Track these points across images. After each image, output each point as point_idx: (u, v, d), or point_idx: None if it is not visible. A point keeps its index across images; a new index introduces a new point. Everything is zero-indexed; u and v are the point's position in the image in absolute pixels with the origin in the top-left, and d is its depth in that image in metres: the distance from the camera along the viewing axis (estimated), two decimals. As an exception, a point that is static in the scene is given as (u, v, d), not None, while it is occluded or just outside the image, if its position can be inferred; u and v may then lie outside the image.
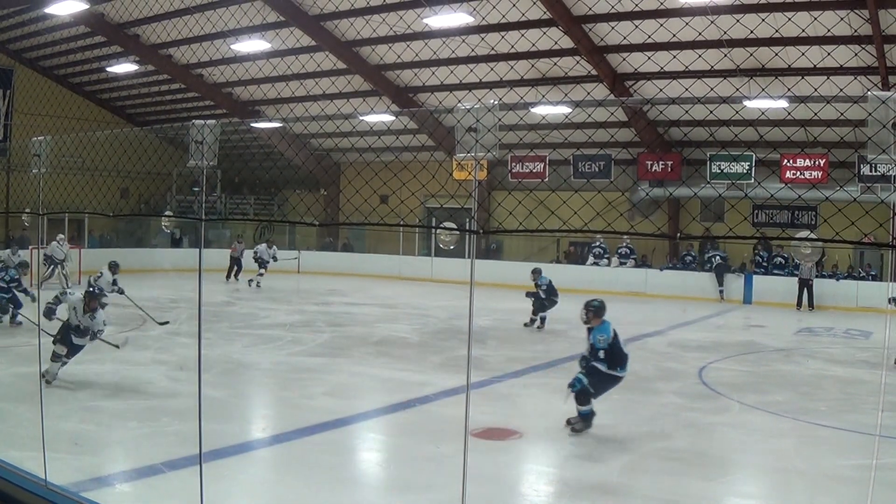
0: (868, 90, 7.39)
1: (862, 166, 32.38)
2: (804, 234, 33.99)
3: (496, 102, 6.56)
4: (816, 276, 33.32)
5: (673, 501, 9.39)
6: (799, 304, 32.45)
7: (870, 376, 18.29)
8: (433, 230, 38.99)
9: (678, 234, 37.71)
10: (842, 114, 9.87)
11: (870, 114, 5.82)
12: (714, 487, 10.13)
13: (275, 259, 33.83)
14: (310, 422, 12.03)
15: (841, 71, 26.43)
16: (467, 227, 8.70)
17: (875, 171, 31.82)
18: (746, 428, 13.32)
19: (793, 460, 11.53)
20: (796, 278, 33.06)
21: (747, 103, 26.70)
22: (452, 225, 35.62)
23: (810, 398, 15.73)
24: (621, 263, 37.10)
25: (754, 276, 34.41)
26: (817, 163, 33.38)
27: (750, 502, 10.12)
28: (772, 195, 32.85)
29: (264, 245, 34.26)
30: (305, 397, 14.00)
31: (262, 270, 33.16)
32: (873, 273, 34.24)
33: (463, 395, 12.38)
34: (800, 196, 32.64)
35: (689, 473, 10.47)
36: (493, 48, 26.95)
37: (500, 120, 6.51)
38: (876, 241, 27.52)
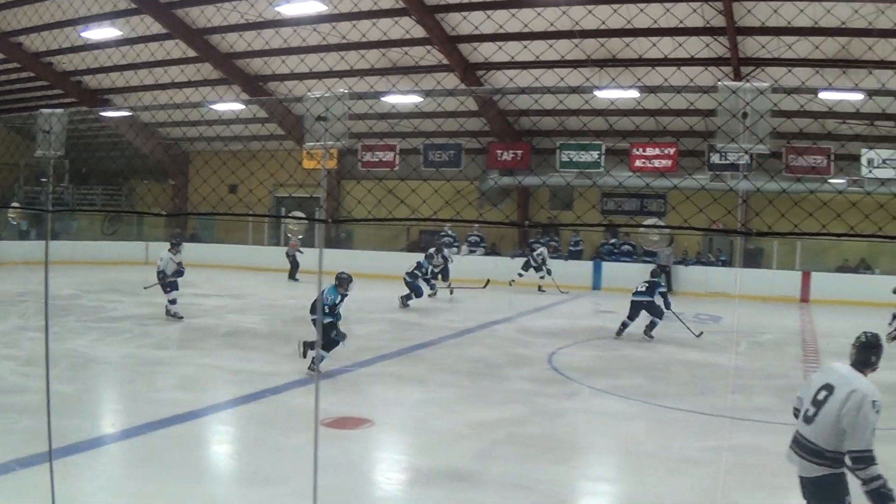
0: (719, 80, 7.48)
1: (711, 155, 32.95)
2: (652, 221, 34.53)
3: (346, 91, 6.49)
4: (675, 263, 33.91)
5: (525, 486, 9.41)
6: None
7: (719, 359, 18.65)
8: (282, 220, 38.70)
9: (526, 223, 37.96)
10: (692, 104, 10.02)
11: (720, 103, 5.87)
12: (566, 471, 10.19)
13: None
14: (160, 415, 11.80)
15: (692, 61, 26.87)
16: (316, 217, 8.59)
17: (724, 160, 32.44)
18: (597, 412, 13.47)
19: (644, 443, 11.68)
20: (653, 265, 33.59)
21: (597, 93, 27.03)
22: (301, 214, 35.44)
23: (660, 382, 15.98)
24: (471, 252, 37.22)
25: (603, 263, 34.81)
26: (667, 151, 33.86)
27: (602, 486, 10.19)
28: (619, 183, 33.32)
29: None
30: (155, 391, 13.74)
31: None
32: (723, 259, 34.95)
33: (313, 385, 12.32)
34: (648, 184, 33.13)
35: (541, 458, 10.51)
36: (344, 37, 26.84)
37: (349, 109, 6.43)
38: (725, 227, 28.03)
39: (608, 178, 33.11)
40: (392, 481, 9.84)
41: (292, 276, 34.29)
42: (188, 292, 22.97)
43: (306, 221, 38.65)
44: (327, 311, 14.98)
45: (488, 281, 30.17)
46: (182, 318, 21.10)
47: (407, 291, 26.24)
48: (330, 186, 38.85)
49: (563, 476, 10.00)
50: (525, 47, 21.95)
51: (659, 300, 14.85)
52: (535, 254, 32.90)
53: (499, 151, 37.43)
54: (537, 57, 19.73)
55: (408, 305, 25.87)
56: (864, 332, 7.26)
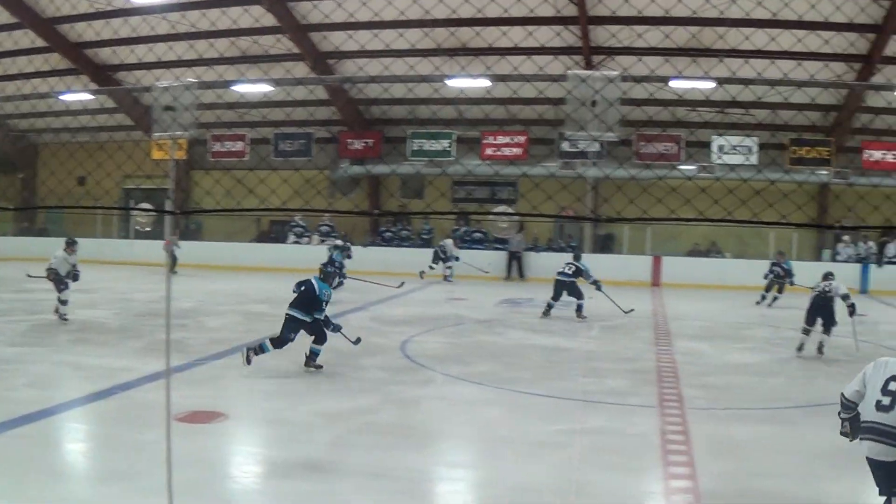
0: (569, 69, 7.56)
1: (561, 143, 33.29)
2: (502, 208, 34.83)
3: (195, 81, 6.41)
4: (526, 249, 34.22)
5: (382, 475, 9.40)
6: (508, 275, 33.25)
7: (572, 344, 18.86)
8: (130, 212, 38.13)
9: (376, 211, 37.99)
10: (541, 92, 10.13)
11: (569, 92, 5.91)
12: (422, 459, 10.20)
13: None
14: (12, 414, 11.49)
15: (543, 50, 27.07)
16: (164, 208, 8.47)
17: (574, 148, 32.80)
18: (451, 399, 13.50)
19: (499, 428, 11.76)
20: (505, 252, 33.85)
21: (448, 82, 27.11)
22: (149, 206, 34.96)
23: (514, 367, 16.05)
24: (322, 241, 37.10)
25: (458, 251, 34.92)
26: (517, 140, 34.13)
27: (459, 472, 10.21)
28: (469, 171, 33.49)
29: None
30: (6, 389, 13.38)
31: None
32: (573, 244, 35.32)
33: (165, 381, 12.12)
34: (497, 172, 33.34)
35: (397, 446, 10.51)
36: (193, 25, 26.54)
37: (198, 98, 6.36)
38: (576, 214, 28.31)
39: (458, 166, 33.30)
40: (248, 474, 9.75)
41: (171, 269, 33.81)
42: (37, 287, 22.43)
43: (154, 213, 38.18)
44: (325, 306, 14.98)
45: (402, 283, 29.91)
46: (67, 320, 20.49)
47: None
48: (179, 177, 38.39)
49: (419, 463, 10.00)
50: (375, 36, 21.96)
51: (319, 288, 15.18)
52: (440, 245, 33.30)
53: (349, 140, 37.37)
54: (388, 45, 19.75)
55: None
56: None
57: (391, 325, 20.83)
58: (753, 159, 33.12)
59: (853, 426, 7.45)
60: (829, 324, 18.14)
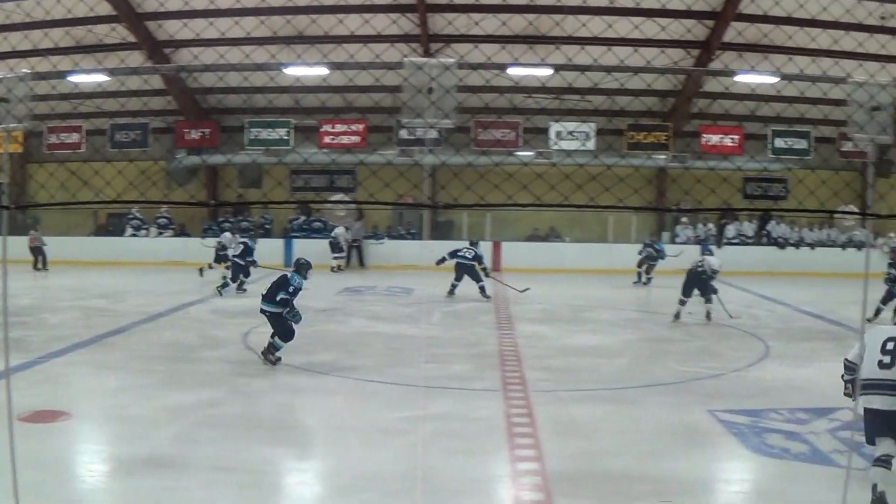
0: (405, 56, 7.58)
1: (399, 130, 33.32)
2: (338, 196, 34.81)
3: (28, 72, 6.30)
4: (365, 237, 34.23)
5: (230, 468, 9.34)
6: (347, 263, 33.24)
7: (414, 331, 18.95)
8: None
9: (213, 202, 37.65)
10: (377, 79, 10.12)
11: (405, 79, 5.94)
12: (269, 450, 10.14)
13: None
14: None
15: (380, 38, 27.03)
16: (-1, 203, 8.26)
17: (411, 135, 32.85)
18: (295, 389, 13.46)
19: (345, 417, 11.78)
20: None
21: (285, 70, 26.92)
22: (-23, 202, 33.98)
23: (356, 355, 16.08)
24: (160, 234, 36.56)
25: (294, 240, 34.68)
26: (355, 128, 34.07)
27: (306, 462, 10.20)
28: (305, 159, 33.36)
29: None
30: None
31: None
32: (413, 231, 35.44)
33: (3, 380, 11.88)
34: (334, 160, 33.25)
35: (243, 438, 10.45)
36: (28, 14, 25.93)
37: (32, 90, 6.25)
38: (414, 201, 28.40)
39: (296, 155, 33.18)
40: (94, 473, 9.59)
41: (37, 265, 32.97)
42: None
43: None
44: (291, 290, 14.83)
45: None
46: None
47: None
48: (13, 171, 37.56)
49: (266, 455, 9.95)
50: (211, 24, 21.69)
51: (291, 280, 15.33)
52: (332, 236, 33.20)
53: (186, 130, 36.89)
54: (223, 34, 19.52)
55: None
56: None
57: (231, 316, 20.66)
58: (590, 145, 33.56)
59: (854, 387, 8.65)
60: (705, 293, 21.02)
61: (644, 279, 29.43)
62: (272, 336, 14.99)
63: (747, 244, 35.37)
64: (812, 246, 36.08)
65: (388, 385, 13.58)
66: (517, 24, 27.04)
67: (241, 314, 20.77)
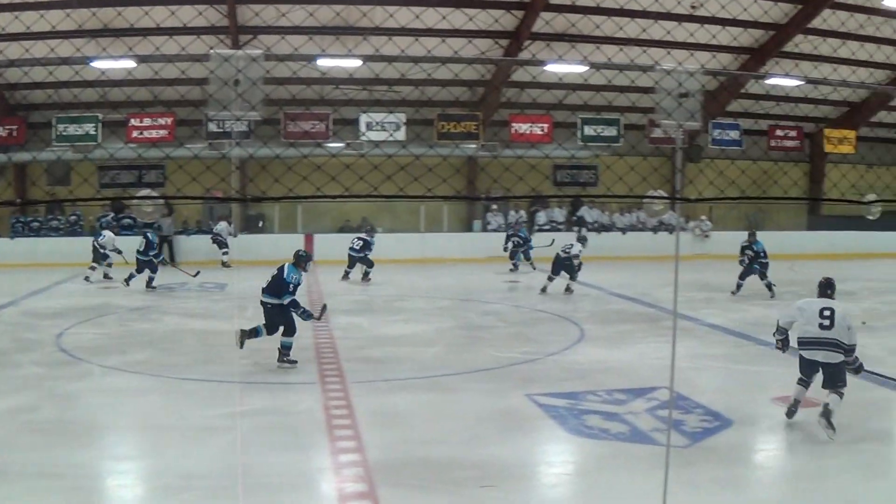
0: (211, 48, 7.46)
1: (208, 124, 32.90)
2: (145, 192, 34.22)
3: None
4: (176, 233, 33.74)
5: (51, 473, 9.10)
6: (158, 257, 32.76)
7: (227, 327, 18.75)
8: None
9: (17, 200, 36.71)
10: (183, 72, 9.98)
11: (212, 72, 5.84)
12: (88, 454, 9.93)
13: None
14: None
15: (188, 30, 26.57)
16: None
17: (220, 128, 32.47)
18: (111, 390, 13.18)
19: (161, 417, 11.55)
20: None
21: (91, 64, 26.36)
22: None
23: (171, 354, 15.88)
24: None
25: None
26: (163, 122, 33.50)
27: (126, 464, 9.96)
28: (111, 155, 32.78)
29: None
30: None
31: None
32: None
33: None
34: (140, 155, 32.64)
35: (62, 443, 10.19)
36: None
37: None
38: (225, 195, 28.15)
39: (103, 150, 32.53)
40: None
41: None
42: None
43: None
44: (292, 289, 14.65)
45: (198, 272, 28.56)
46: None
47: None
48: None
49: (85, 458, 9.74)
50: (17, 17, 21.14)
51: (289, 272, 15.29)
52: (215, 231, 32.72)
53: (-10, 128, 35.85)
54: (29, 28, 19.06)
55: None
56: (825, 277, 11.68)
57: (43, 318, 20.11)
58: (400, 135, 33.62)
59: (785, 345, 11.71)
60: (571, 275, 24.34)
61: (522, 267, 30.28)
62: (283, 335, 14.79)
63: (558, 230, 35.79)
64: (623, 231, 36.85)
65: (205, 382, 13.41)
66: (325, 15, 26.88)
67: (53, 315, 20.31)
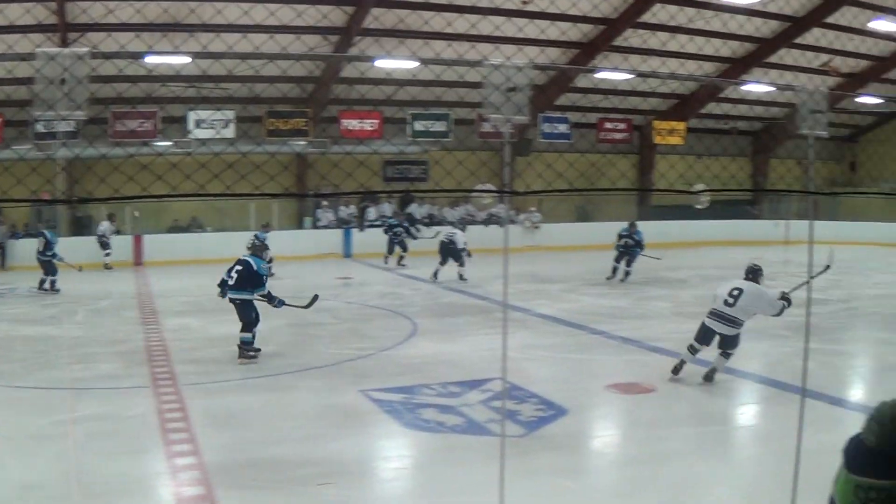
0: (38, 46, 7.32)
1: (35, 124, 32.12)
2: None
3: None
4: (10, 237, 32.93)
5: None
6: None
7: (58, 332, 18.38)
8: None
9: None
10: (9, 71, 9.76)
11: (37, 70, 5.74)
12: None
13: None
14: None
15: (14, 28, 25.96)
16: None
17: (47, 128, 31.73)
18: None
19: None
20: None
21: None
22: None
23: (2, 360, 15.48)
24: None
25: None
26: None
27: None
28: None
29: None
30: None
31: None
32: (53, 225, 34.36)
33: None
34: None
35: None
36: None
37: None
38: (52, 197, 27.63)
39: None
40: None
41: None
42: None
43: None
44: (266, 280, 15.23)
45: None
46: None
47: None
48: None
49: None
50: None
51: (256, 264, 15.34)
52: (98, 233, 32.07)
53: None
54: None
55: None
56: (752, 262, 13.74)
57: None
58: (229, 133, 33.25)
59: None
60: (459, 262, 26.06)
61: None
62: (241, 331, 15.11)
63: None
64: (454, 225, 37.12)
65: (36, 390, 13.08)
66: (152, 11, 26.56)
67: None
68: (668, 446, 10.21)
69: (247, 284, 14.98)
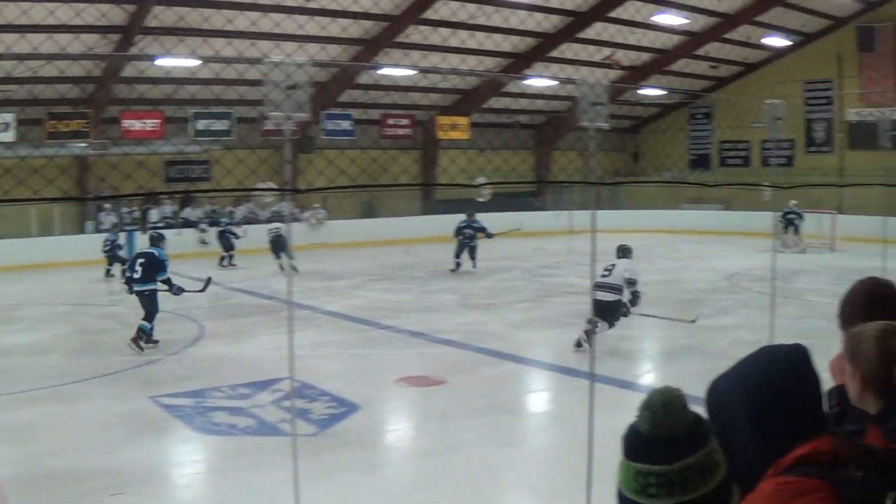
0: None
1: None
2: None
3: None
4: None
5: None
6: None
7: None
8: None
9: None
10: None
11: None
12: None
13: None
14: None
15: None
16: None
17: None
18: None
19: None
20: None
21: None
22: None
23: None
24: None
25: None
26: None
27: None
28: None
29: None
30: None
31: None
32: None
33: None
34: None
35: None
36: None
37: None
38: None
39: None
40: None
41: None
42: None
43: None
44: (167, 265, 15.82)
45: None
46: None
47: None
48: None
49: None
50: None
51: (158, 252, 15.21)
52: None
53: None
54: None
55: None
56: (621, 243, 15.95)
57: None
58: (8, 137, 32.27)
59: (636, 298, 15.54)
60: (287, 253, 24.49)
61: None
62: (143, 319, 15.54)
63: (173, 227, 35.31)
64: (238, 224, 36.83)
65: None
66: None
67: None
68: (462, 437, 10.42)
69: (152, 273, 15.41)
